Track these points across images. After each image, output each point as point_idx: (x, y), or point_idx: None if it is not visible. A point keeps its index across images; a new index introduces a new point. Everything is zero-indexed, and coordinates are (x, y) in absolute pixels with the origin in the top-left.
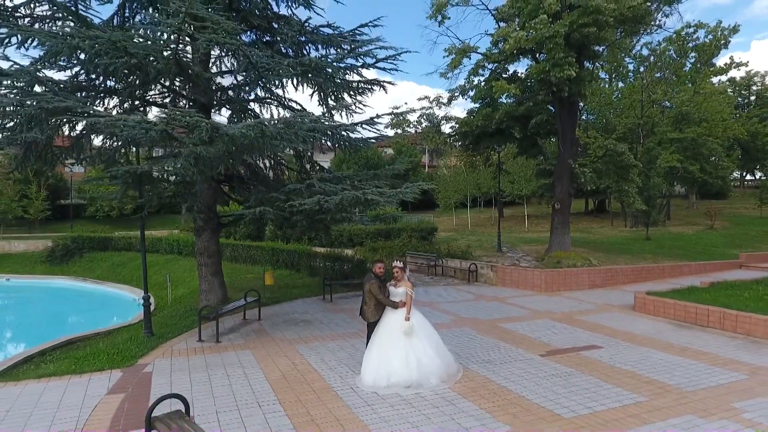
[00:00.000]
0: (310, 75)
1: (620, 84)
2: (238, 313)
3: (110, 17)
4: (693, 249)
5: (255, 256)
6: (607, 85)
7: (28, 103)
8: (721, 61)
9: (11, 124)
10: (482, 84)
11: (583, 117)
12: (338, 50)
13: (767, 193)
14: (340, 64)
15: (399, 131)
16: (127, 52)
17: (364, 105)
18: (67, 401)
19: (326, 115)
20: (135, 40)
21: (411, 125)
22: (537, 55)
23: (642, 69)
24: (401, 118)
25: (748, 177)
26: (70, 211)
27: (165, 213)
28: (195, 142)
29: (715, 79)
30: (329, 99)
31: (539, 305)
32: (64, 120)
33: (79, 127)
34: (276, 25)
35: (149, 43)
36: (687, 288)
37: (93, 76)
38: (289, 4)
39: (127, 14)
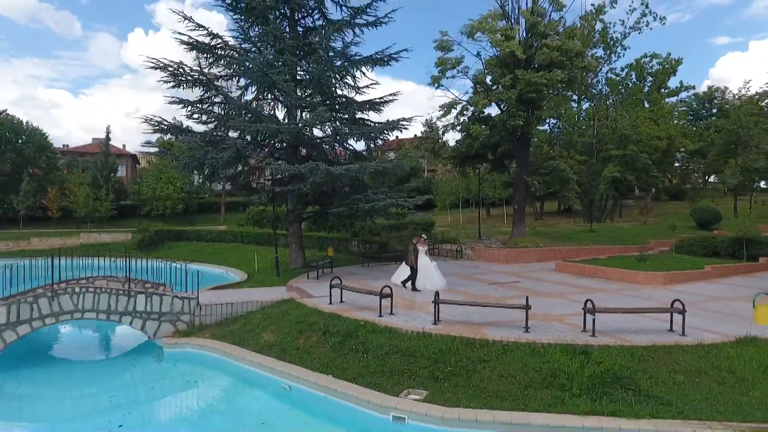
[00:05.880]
0: (363, 134)
1: (586, 105)
2: (315, 269)
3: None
4: (622, 238)
5: (304, 243)
6: (576, 106)
7: (229, 156)
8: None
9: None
10: (466, 121)
11: (556, 132)
12: (374, 111)
13: (697, 197)
14: (382, 128)
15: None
16: (281, 133)
17: (386, 140)
18: (271, 292)
19: (366, 151)
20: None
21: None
22: (500, 105)
23: (605, 90)
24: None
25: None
26: (138, 210)
27: (206, 212)
28: (314, 174)
29: (672, 98)
30: (370, 143)
31: (498, 268)
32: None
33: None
34: (337, 99)
35: (292, 127)
36: (591, 258)
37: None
38: (347, 89)
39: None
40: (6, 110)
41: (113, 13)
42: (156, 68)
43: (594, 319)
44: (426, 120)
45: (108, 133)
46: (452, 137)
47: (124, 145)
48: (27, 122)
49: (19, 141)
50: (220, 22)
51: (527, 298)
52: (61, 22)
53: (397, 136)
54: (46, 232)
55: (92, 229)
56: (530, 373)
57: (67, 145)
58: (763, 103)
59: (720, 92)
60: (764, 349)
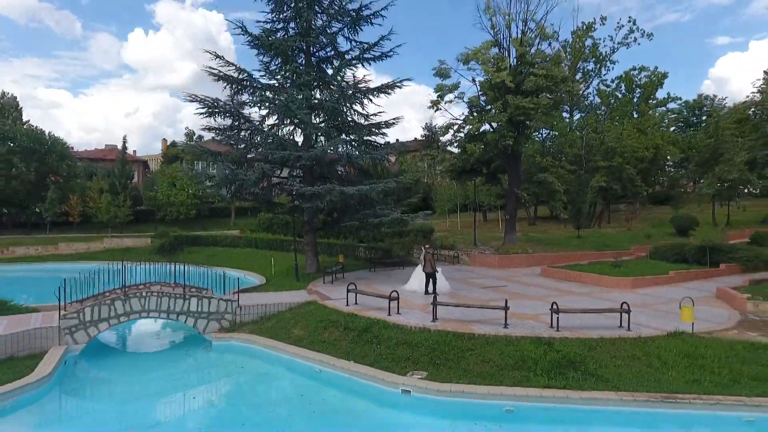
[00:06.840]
0: (370, 156)
1: (578, 115)
2: (330, 275)
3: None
4: (606, 243)
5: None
6: (567, 117)
7: (257, 177)
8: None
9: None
10: (463, 138)
11: (548, 143)
12: (380, 135)
13: (680, 204)
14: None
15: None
16: (302, 159)
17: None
18: (295, 295)
19: (370, 162)
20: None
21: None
22: (492, 125)
23: (596, 101)
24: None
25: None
26: (153, 215)
27: (217, 217)
28: (330, 193)
29: (661, 108)
30: (377, 164)
31: (490, 273)
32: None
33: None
34: (346, 122)
35: (312, 153)
36: (573, 264)
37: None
38: (357, 114)
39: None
40: (29, 120)
41: (113, 13)
42: (193, 101)
43: (558, 317)
44: (426, 124)
45: (125, 142)
46: (451, 149)
47: (134, 151)
48: (49, 132)
49: (43, 150)
50: (220, 22)
51: (506, 300)
52: (61, 22)
53: (397, 139)
54: (71, 237)
55: (113, 234)
56: (505, 358)
57: (72, 147)
58: (749, 111)
59: (709, 100)
60: (686, 341)
